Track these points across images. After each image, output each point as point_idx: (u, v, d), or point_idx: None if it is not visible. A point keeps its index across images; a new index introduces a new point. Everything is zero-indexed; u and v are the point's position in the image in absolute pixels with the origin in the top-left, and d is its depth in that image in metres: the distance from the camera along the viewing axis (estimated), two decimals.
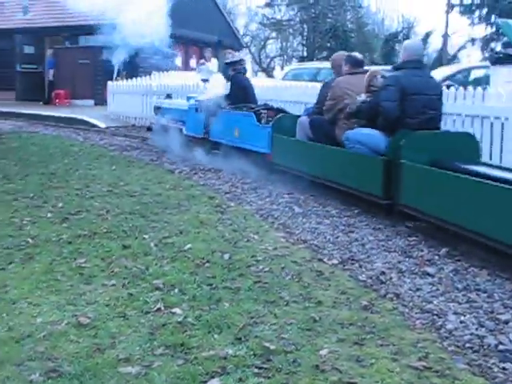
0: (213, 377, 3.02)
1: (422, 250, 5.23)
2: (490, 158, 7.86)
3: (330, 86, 7.58)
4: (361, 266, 4.82)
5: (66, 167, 9.18)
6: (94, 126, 15.88)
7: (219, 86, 9.87)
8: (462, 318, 3.80)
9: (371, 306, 3.96)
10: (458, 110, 8.53)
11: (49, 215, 6.35)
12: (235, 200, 7.10)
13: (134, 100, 16.64)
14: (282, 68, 33.26)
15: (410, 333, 3.56)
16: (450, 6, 31.33)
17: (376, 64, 34.28)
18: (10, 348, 3.45)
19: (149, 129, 12.64)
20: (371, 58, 39.76)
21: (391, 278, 4.53)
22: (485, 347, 3.41)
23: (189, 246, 5.18)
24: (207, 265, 4.72)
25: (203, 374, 3.05)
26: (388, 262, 4.93)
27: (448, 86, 9.87)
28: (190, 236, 5.51)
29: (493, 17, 30.99)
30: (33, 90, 23.24)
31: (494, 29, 30.95)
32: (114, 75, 19.72)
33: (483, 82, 12.43)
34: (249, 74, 16.76)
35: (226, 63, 10.59)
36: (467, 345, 3.44)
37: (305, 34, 46.57)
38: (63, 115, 17.48)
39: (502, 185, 4.71)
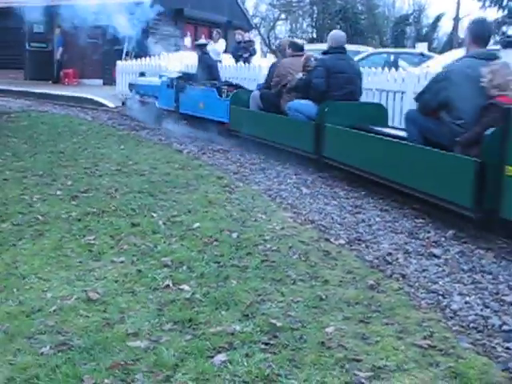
0: (220, 352, 3.06)
1: (428, 232, 5.26)
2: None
3: (276, 66, 9.07)
4: (367, 247, 4.86)
5: (75, 146, 9.22)
6: (102, 105, 15.90)
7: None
8: (467, 298, 3.83)
9: (377, 286, 3.99)
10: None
11: (58, 193, 6.40)
12: (243, 180, 7.14)
13: None
14: None
15: (415, 312, 3.59)
16: None
17: (385, 46, 34.17)
18: (21, 322, 3.50)
19: (123, 103, 14.36)
20: (381, 40, 39.61)
21: (397, 259, 4.56)
22: (489, 327, 3.44)
23: (197, 224, 5.22)
24: (215, 243, 4.76)
25: (210, 349, 3.09)
26: (394, 243, 4.96)
27: None
28: (199, 215, 5.55)
29: (505, 0, 30.74)
30: (42, 69, 23.27)
31: (505, 12, 30.69)
32: (123, 55, 19.72)
33: None
34: (258, 56, 16.82)
35: (196, 45, 12.19)
36: (471, 325, 3.47)
37: (314, 15, 46.38)
38: (72, 94, 17.51)
39: (398, 140, 6.24)
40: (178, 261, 4.36)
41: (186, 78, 11.77)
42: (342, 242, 4.97)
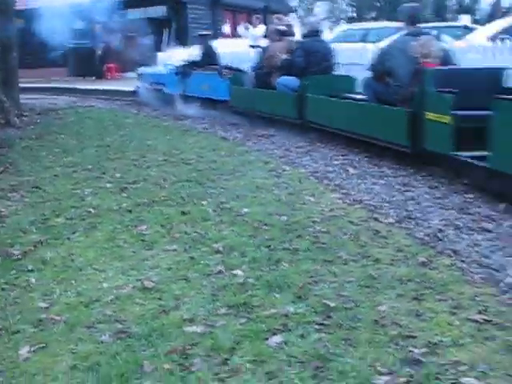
0: (275, 334, 3.10)
1: (479, 207, 5.19)
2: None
3: (266, 49, 10.49)
4: (417, 224, 4.83)
5: (122, 139, 9.35)
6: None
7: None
8: None
9: (429, 263, 3.97)
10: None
11: (108, 185, 6.51)
12: (290, 164, 7.15)
13: None
14: (331, 31, 32.93)
15: (468, 287, 3.57)
16: None
17: (427, 21, 33.60)
18: (80, 312, 3.60)
19: (134, 92, 15.58)
20: (423, 15, 38.99)
21: (448, 235, 4.52)
22: None
23: (246, 210, 5.26)
24: (265, 227, 4.79)
25: (265, 331, 3.13)
26: (445, 219, 4.91)
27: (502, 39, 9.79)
28: (247, 200, 5.59)
29: None
30: (84, 65, 23.59)
31: None
32: (163, 46, 19.86)
33: None
34: (297, 38, 16.84)
35: (199, 35, 13.67)
36: None
37: None
38: (115, 88, 17.70)
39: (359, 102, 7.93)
40: (229, 246, 4.41)
41: (189, 65, 13.25)
42: (392, 220, 4.95)
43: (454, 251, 4.18)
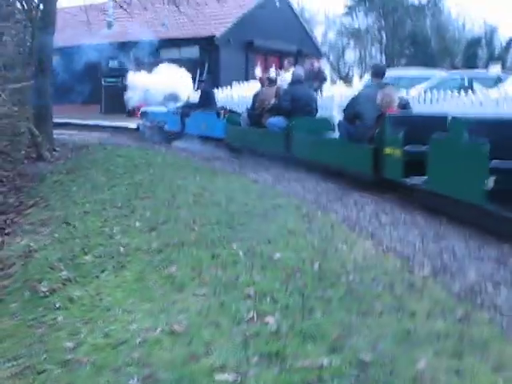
0: None
1: None
2: None
3: (257, 94, 12.11)
4: (453, 276, 4.69)
5: (152, 178, 9.33)
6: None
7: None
8: None
9: (467, 318, 3.84)
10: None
11: (137, 224, 6.47)
12: (321, 209, 7.05)
13: None
14: (361, 76, 33.01)
15: (510, 345, 3.44)
16: None
17: (456, 68, 33.64)
18: (107, 354, 3.53)
19: (137, 128, 16.92)
20: (452, 62, 39.04)
21: (486, 288, 4.39)
22: None
23: (278, 254, 5.16)
24: (297, 274, 4.69)
25: (299, 382, 3.03)
26: (482, 271, 4.78)
27: None
28: (279, 245, 5.49)
29: None
30: (116, 103, 23.79)
31: None
32: (195, 86, 20.02)
33: None
34: (328, 83, 16.96)
35: (199, 80, 16.06)
36: None
37: (383, 41, 46.21)
38: None
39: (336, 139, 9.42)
40: (261, 292, 4.32)
41: (189, 106, 15.05)
42: (427, 271, 4.83)
43: (494, 306, 4.05)
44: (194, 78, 19.92)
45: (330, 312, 3.93)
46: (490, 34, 43.11)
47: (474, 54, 39.61)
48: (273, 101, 11.35)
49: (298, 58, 25.95)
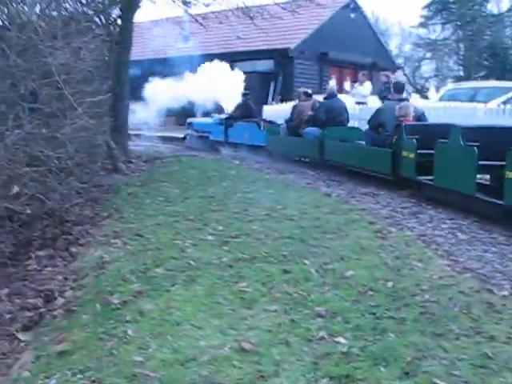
0: None
1: None
2: None
3: (296, 107, 13.67)
4: None
5: (225, 190, 9.33)
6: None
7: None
8: None
9: None
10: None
11: (209, 238, 6.45)
12: (395, 225, 6.90)
13: None
14: (437, 89, 32.44)
15: None
16: None
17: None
18: (175, 370, 3.49)
19: (184, 138, 18.67)
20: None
21: None
22: None
23: (350, 272, 5.06)
24: (370, 293, 4.58)
25: None
26: None
27: None
28: (352, 262, 5.38)
29: None
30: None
31: None
32: (269, 99, 20.08)
33: None
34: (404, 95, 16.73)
35: (242, 93, 16.31)
36: None
37: (461, 53, 45.28)
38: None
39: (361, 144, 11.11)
40: (332, 311, 4.22)
41: (231, 117, 16.28)
42: (506, 292, 4.64)
43: None
44: (267, 93, 20.03)
45: (404, 333, 3.81)
46: None
47: None
48: (309, 113, 12.92)
49: (372, 70, 25.72)
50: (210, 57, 21.58)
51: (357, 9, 27.38)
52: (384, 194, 8.89)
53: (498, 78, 27.51)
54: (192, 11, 16.25)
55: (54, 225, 7.25)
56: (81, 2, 10.90)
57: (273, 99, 21.36)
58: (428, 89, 43.22)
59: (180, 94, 15.63)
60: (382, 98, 16.93)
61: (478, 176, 7.50)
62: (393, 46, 45.69)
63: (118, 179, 10.49)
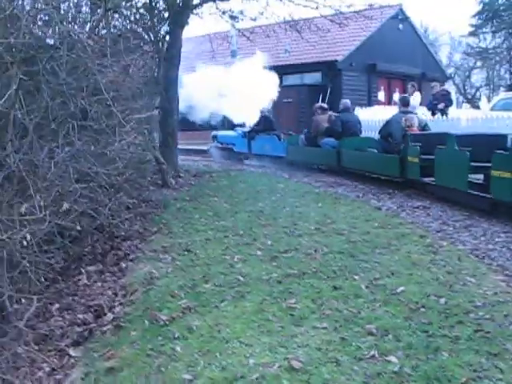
0: None
1: None
2: None
3: (313, 120, 14.73)
4: None
5: (274, 204, 9.29)
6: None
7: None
8: None
9: None
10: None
11: (258, 253, 6.41)
12: (447, 239, 6.75)
13: None
14: (489, 99, 31.92)
15: None
16: None
17: None
18: None
19: (207, 150, 19.65)
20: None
21: None
22: None
23: (401, 288, 4.95)
24: (422, 310, 4.47)
25: None
26: None
27: None
28: (402, 278, 5.27)
29: None
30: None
31: None
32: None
33: None
34: (454, 106, 16.51)
35: (260, 110, 16.77)
36: None
37: None
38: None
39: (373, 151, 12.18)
40: (383, 328, 4.13)
41: (254, 130, 17.39)
42: None
43: None
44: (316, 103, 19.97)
45: (458, 353, 3.70)
46: None
47: None
48: (326, 125, 14.05)
49: (421, 81, 25.43)
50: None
51: (405, 19, 27.14)
52: (435, 207, 8.73)
53: None
54: (239, 26, 16.26)
55: (103, 240, 7.31)
56: (130, 20, 11.04)
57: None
58: (479, 98, 42.61)
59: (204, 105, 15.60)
60: (431, 109, 16.76)
61: (472, 176, 8.73)
62: (443, 56, 45.23)
63: (167, 194, 10.54)
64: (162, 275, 5.86)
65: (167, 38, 12.63)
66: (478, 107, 29.94)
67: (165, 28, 12.71)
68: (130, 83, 7.62)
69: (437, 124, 13.97)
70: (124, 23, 10.22)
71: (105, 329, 4.84)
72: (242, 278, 5.51)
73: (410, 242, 6.56)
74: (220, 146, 19.01)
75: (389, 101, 25.07)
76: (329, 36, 24.22)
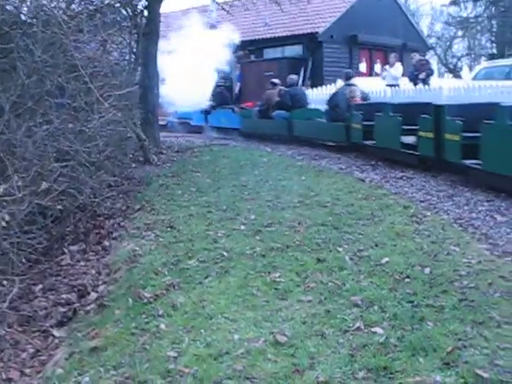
0: None
1: None
2: None
3: (266, 94, 16.06)
4: None
5: (257, 179, 9.23)
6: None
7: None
8: None
9: None
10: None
11: (242, 228, 6.38)
12: (431, 209, 6.73)
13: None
14: (470, 68, 31.87)
15: None
16: None
17: None
18: (209, 365, 3.44)
19: (165, 125, 19.62)
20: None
21: None
22: None
23: (386, 259, 4.94)
24: (407, 280, 4.46)
25: None
26: None
27: None
28: (387, 249, 5.26)
29: None
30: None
31: None
32: (299, 85, 19.91)
33: None
34: (435, 76, 16.46)
35: (217, 84, 18.47)
36: None
37: (493, 30, 44.43)
38: None
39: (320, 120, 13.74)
40: (368, 300, 4.12)
41: (210, 105, 18.64)
42: None
43: None
44: (297, 78, 19.93)
45: (443, 322, 3.69)
46: None
47: None
48: (276, 99, 15.38)
49: (403, 51, 25.34)
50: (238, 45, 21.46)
51: None
52: (419, 177, 8.71)
53: None
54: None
55: (86, 219, 7.26)
56: None
57: (303, 84, 21.12)
58: (461, 68, 42.55)
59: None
60: (412, 80, 16.72)
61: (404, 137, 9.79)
62: (424, 26, 44.99)
63: (149, 171, 10.48)
64: (146, 253, 5.83)
65: (145, 12, 12.46)
66: (459, 77, 29.91)
67: (142, 3, 12.53)
68: (107, 59, 7.51)
69: (419, 94, 13.93)
70: None
71: (88, 308, 4.82)
72: (225, 253, 5.48)
73: (393, 213, 6.54)
74: (177, 120, 20.23)
75: (370, 72, 24.99)
76: (309, 8, 24.08)
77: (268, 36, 24.68)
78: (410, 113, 9.72)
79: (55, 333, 4.60)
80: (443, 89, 13.73)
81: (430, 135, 8.97)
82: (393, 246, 5.34)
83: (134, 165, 10.75)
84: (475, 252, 5.08)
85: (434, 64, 38.04)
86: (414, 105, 10.65)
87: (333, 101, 13.12)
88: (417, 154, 9.41)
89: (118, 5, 11.53)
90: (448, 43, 47.98)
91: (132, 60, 11.59)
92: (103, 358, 3.75)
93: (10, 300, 4.83)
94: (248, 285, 4.66)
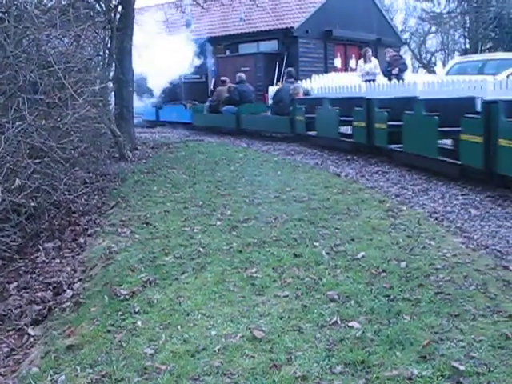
0: None
1: None
2: None
3: (217, 91, 17.51)
4: None
5: (233, 174, 9.23)
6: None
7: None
8: None
9: None
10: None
11: (218, 223, 6.36)
12: (406, 203, 6.78)
13: None
14: (444, 63, 32.10)
15: None
16: None
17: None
18: (186, 362, 3.41)
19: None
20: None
21: None
22: None
23: (362, 253, 4.96)
24: (383, 274, 4.48)
25: None
26: None
27: None
28: (363, 243, 5.28)
29: None
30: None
31: None
32: (275, 80, 19.93)
33: None
34: (409, 71, 16.53)
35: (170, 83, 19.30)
36: None
37: (467, 25, 44.74)
38: None
39: (265, 114, 15.82)
40: (345, 294, 4.13)
41: (161, 101, 19.81)
42: None
43: None
44: (273, 73, 19.97)
45: (419, 315, 3.71)
46: None
47: None
48: (226, 95, 16.77)
49: (377, 46, 25.43)
50: (213, 40, 21.41)
51: None
52: (395, 172, 8.75)
53: (506, 50, 27.19)
54: None
55: (61, 216, 7.20)
56: None
57: (278, 79, 21.15)
58: (435, 63, 42.86)
59: None
60: (386, 75, 16.74)
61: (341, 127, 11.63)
62: (398, 21, 45.23)
63: (124, 167, 10.42)
64: (121, 249, 5.78)
65: (119, 8, 12.37)
66: (433, 72, 30.10)
67: None
68: (81, 54, 7.44)
69: (394, 89, 13.98)
70: None
71: (64, 306, 4.77)
72: (202, 249, 5.46)
73: (369, 207, 6.57)
74: None
75: (345, 67, 25.05)
76: (284, 3, 24.10)
77: (243, 31, 24.63)
78: (346, 106, 11.22)
79: (30, 331, 4.54)
80: (417, 84, 13.78)
81: (363, 124, 10.50)
82: (369, 240, 5.36)
83: (108, 161, 10.69)
84: (450, 245, 5.12)
85: (408, 59, 38.32)
86: (349, 99, 12.01)
87: (277, 96, 14.66)
88: (352, 141, 11.08)
89: None
90: (422, 38, 48.25)
91: (106, 55, 11.49)
92: (79, 356, 3.71)
93: None
94: (225, 280, 4.64)
